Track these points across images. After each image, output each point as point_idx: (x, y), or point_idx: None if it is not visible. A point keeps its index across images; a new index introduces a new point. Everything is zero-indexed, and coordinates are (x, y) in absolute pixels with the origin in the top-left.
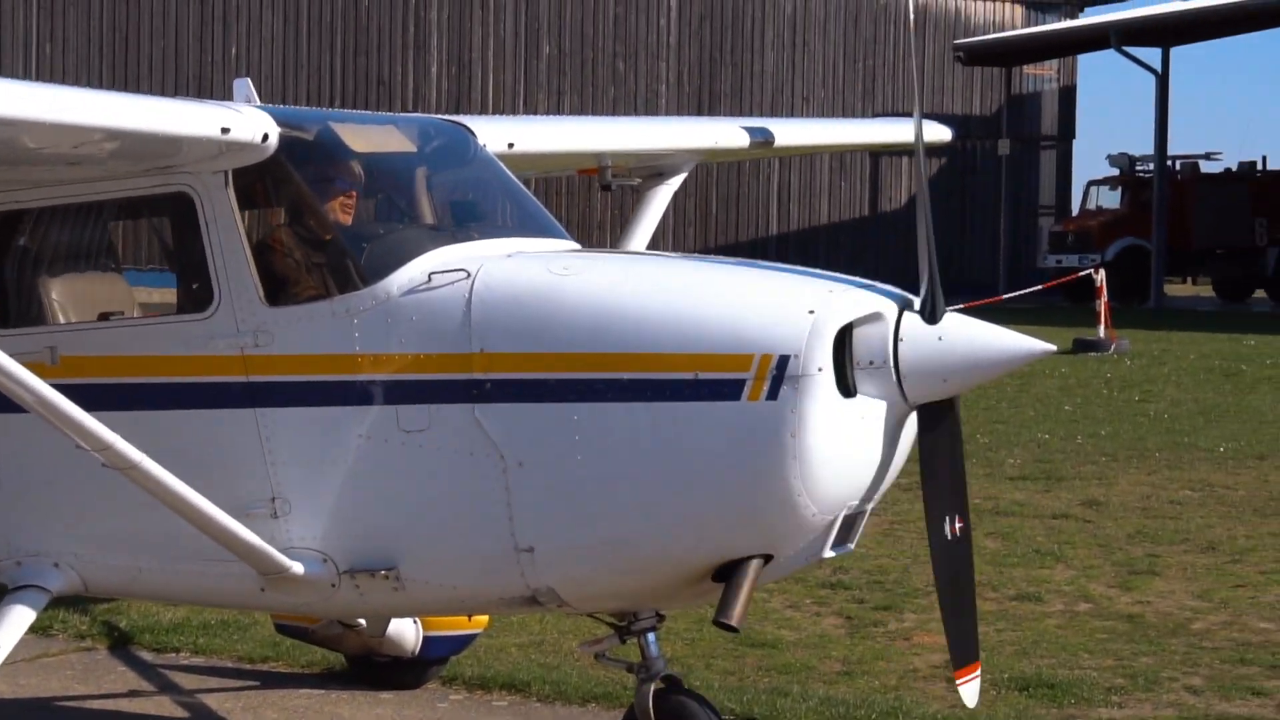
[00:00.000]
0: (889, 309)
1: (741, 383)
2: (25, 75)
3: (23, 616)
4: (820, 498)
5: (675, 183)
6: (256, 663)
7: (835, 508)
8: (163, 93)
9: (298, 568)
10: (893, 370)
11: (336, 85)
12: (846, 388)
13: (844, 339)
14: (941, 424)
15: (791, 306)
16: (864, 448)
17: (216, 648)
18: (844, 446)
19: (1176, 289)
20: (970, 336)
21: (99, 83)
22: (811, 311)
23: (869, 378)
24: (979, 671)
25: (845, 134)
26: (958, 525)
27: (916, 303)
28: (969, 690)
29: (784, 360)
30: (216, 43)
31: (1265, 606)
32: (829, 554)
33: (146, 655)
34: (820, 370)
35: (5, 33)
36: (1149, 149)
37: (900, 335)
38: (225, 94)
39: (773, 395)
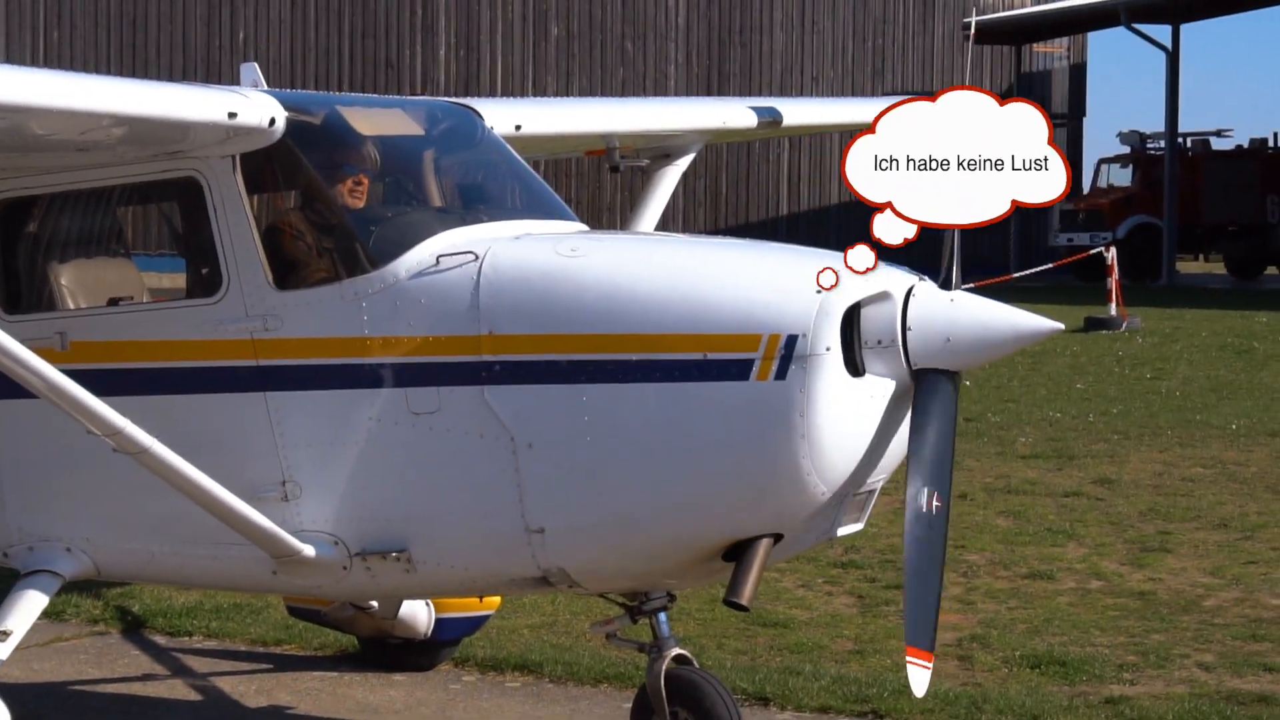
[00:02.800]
0: (897, 288)
1: (750, 363)
2: (33, 61)
3: (36, 601)
4: (829, 477)
5: (683, 163)
6: (269, 646)
7: (844, 486)
8: (170, 78)
9: (309, 550)
10: (901, 349)
11: (344, 69)
12: (855, 367)
13: (852, 318)
14: (938, 394)
15: (799, 286)
16: (873, 427)
17: (229, 631)
18: (853, 426)
19: (1188, 266)
20: (979, 315)
21: (106, 68)
22: (820, 291)
23: (878, 357)
24: (931, 664)
25: (854, 113)
26: (935, 502)
27: (926, 282)
28: (918, 676)
29: (792, 340)
30: (224, 27)
31: (1277, 583)
32: (839, 533)
33: (160, 639)
34: (828, 350)
35: (13, 18)
36: (1160, 126)
37: (909, 315)
38: (233, 78)
39: (781, 375)
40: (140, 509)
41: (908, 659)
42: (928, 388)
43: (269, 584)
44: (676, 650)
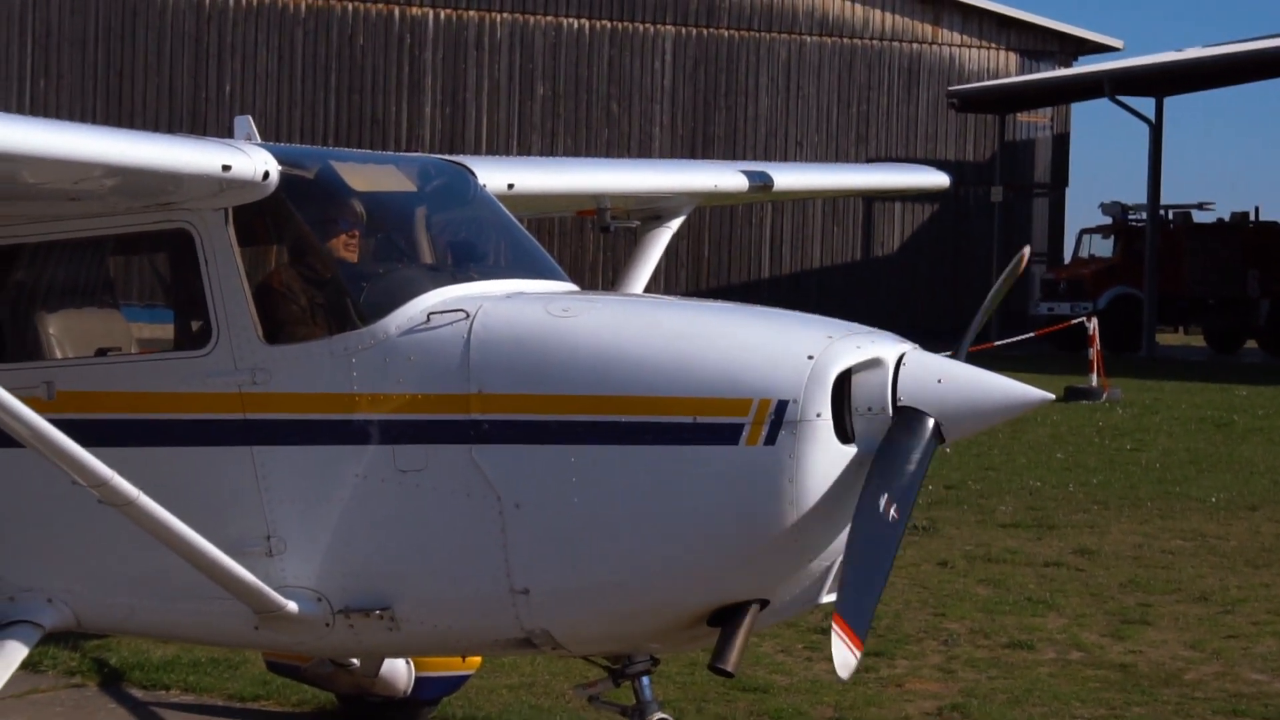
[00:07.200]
0: (888, 355)
1: (740, 427)
2: (20, 110)
3: (15, 652)
4: (817, 543)
5: (674, 225)
6: (247, 701)
7: (832, 553)
8: (157, 129)
9: (292, 606)
10: (891, 417)
11: (330, 123)
12: (845, 433)
13: (843, 385)
14: (916, 433)
15: (791, 351)
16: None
17: (207, 685)
18: (842, 492)
19: (1168, 338)
20: (970, 384)
21: (93, 119)
22: (811, 357)
23: (867, 424)
24: (859, 653)
25: (843, 179)
26: (894, 513)
27: (917, 349)
28: (841, 654)
29: (783, 405)
30: (211, 80)
31: (1257, 657)
32: (825, 599)
33: (137, 692)
34: (819, 416)
35: (0, 68)
36: (1142, 198)
37: (900, 382)
38: (220, 130)
39: (771, 440)
40: (123, 561)
41: (833, 627)
42: (908, 426)
43: (251, 639)
44: (659, 714)
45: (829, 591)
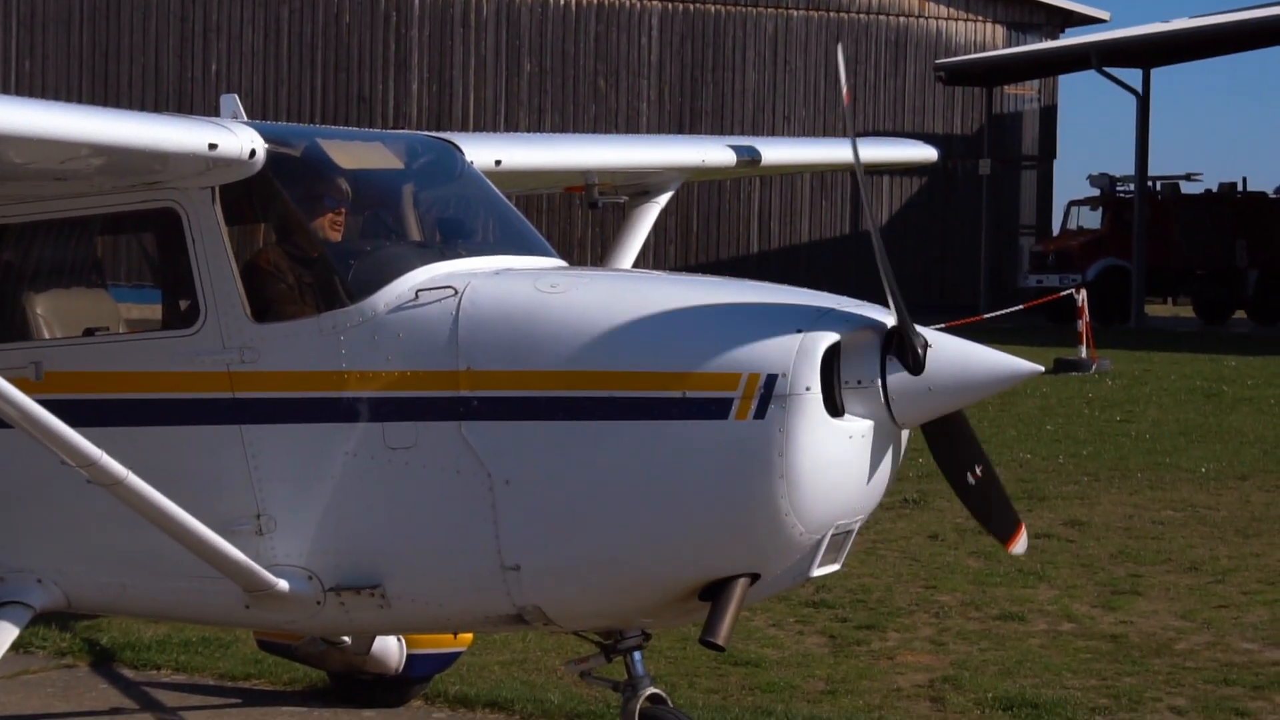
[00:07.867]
0: (878, 328)
1: (729, 401)
2: (5, 91)
3: (5, 633)
4: (807, 517)
5: (662, 201)
6: (238, 680)
7: (823, 527)
8: (143, 108)
9: (283, 585)
10: (880, 390)
11: (317, 101)
12: (834, 407)
13: (832, 358)
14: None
15: (780, 325)
16: (851, 467)
17: (198, 665)
18: (831, 466)
19: (1157, 309)
20: (959, 357)
21: (79, 98)
22: (800, 330)
23: (857, 397)
24: (1024, 529)
25: (831, 153)
26: (978, 470)
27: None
28: (1020, 546)
29: (772, 379)
30: (197, 59)
31: (1248, 627)
32: (816, 573)
33: (128, 672)
34: (808, 389)
35: None
36: (1130, 169)
37: (889, 355)
38: (206, 109)
39: (760, 414)
40: (113, 541)
41: (1011, 550)
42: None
43: (241, 618)
44: (651, 689)
45: (821, 564)
